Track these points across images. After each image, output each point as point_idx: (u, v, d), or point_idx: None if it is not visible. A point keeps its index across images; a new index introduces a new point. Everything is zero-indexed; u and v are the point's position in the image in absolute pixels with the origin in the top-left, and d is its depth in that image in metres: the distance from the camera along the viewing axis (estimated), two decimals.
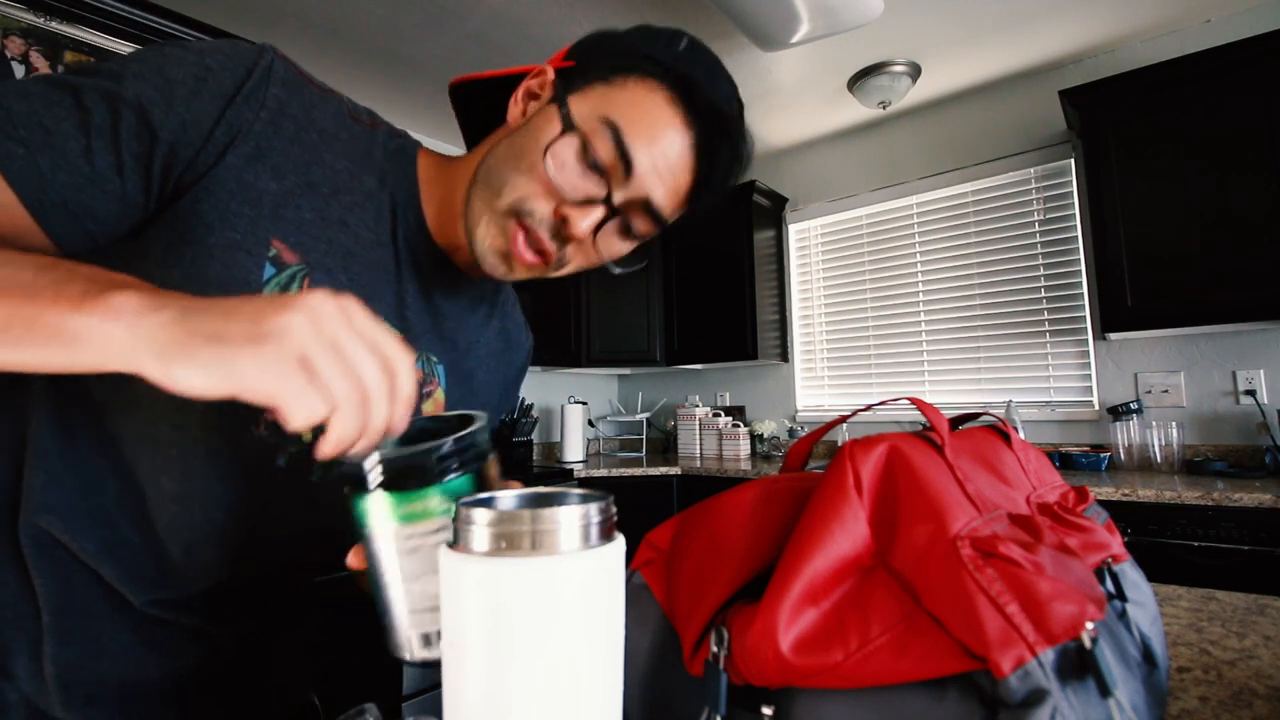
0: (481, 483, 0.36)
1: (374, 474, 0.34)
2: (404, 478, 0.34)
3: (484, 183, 0.52)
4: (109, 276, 0.36)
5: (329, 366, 0.32)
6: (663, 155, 0.51)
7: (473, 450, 0.36)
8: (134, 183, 0.43)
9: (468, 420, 0.38)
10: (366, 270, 0.53)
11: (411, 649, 0.36)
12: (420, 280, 0.57)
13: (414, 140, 0.59)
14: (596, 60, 0.53)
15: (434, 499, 0.34)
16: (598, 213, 0.51)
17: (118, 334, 0.32)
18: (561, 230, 0.51)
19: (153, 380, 0.32)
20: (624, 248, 0.57)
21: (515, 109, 0.54)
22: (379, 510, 0.34)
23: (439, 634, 0.34)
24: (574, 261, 0.55)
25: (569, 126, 0.49)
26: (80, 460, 0.47)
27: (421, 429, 0.40)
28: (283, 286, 0.47)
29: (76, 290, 0.34)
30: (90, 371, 0.34)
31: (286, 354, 0.31)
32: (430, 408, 0.60)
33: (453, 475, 0.35)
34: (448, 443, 0.34)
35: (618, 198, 0.51)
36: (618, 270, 0.58)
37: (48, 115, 0.40)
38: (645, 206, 0.53)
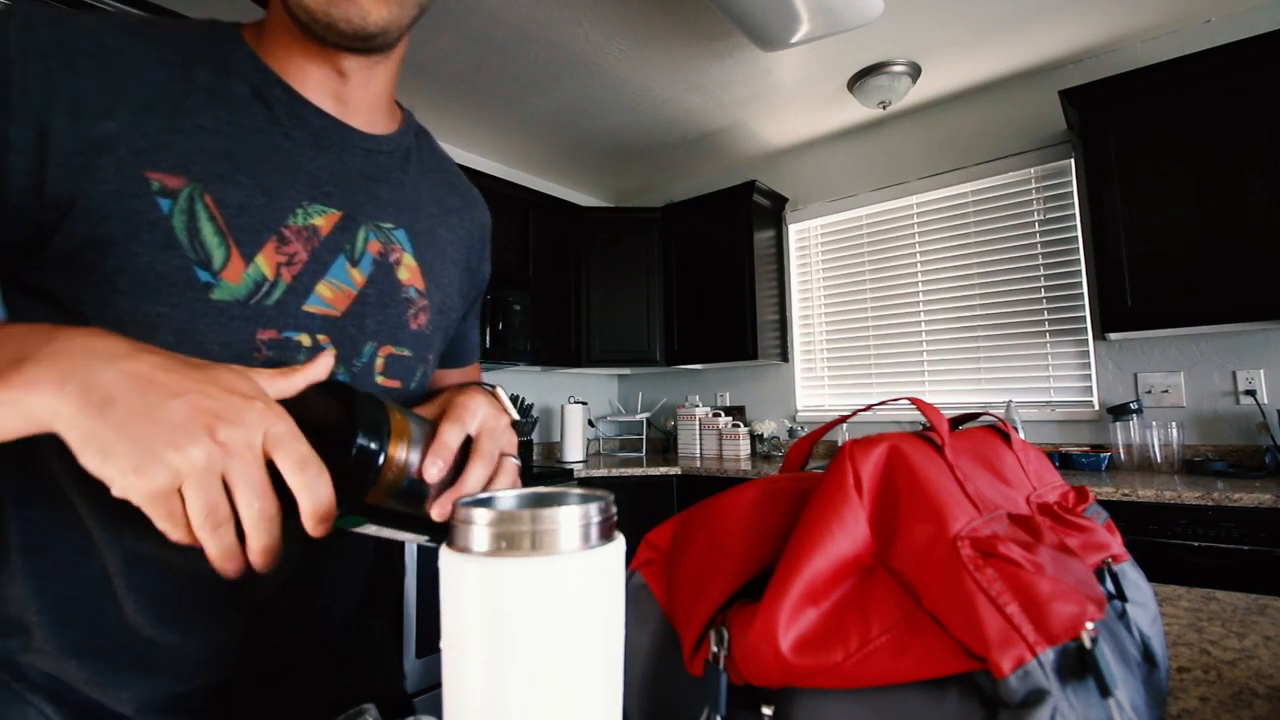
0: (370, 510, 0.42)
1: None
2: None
3: None
4: (4, 341, 0.35)
5: (204, 504, 0.33)
6: None
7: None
8: None
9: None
10: (260, 163, 0.50)
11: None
12: (329, 154, 0.54)
13: (228, 23, 0.54)
14: None
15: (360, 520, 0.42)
16: None
17: (37, 410, 0.32)
18: None
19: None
20: None
21: None
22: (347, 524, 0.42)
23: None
24: None
25: None
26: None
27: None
28: (186, 212, 0.46)
29: None
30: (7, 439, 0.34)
31: (164, 490, 0.32)
32: (405, 275, 0.59)
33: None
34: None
35: None
36: None
37: None
38: None
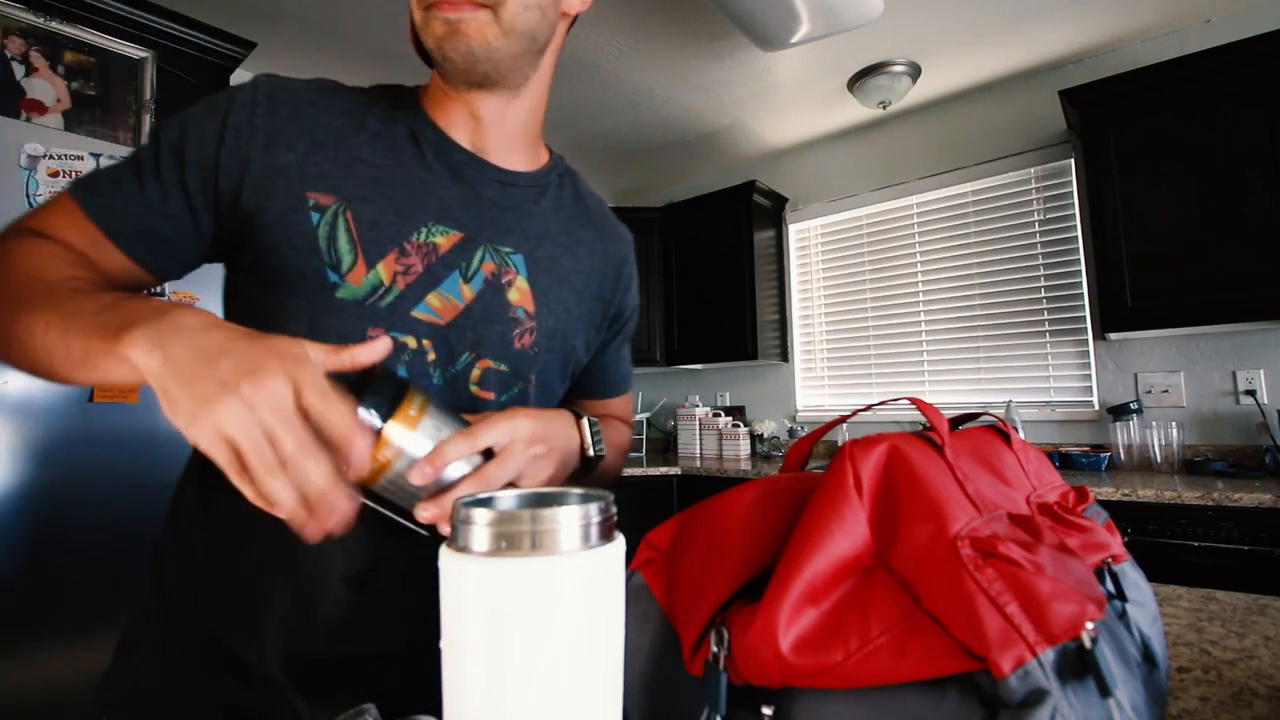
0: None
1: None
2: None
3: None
4: (133, 313, 0.43)
5: (250, 448, 0.36)
6: None
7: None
8: (179, 202, 0.55)
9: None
10: (399, 188, 0.59)
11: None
12: (464, 185, 0.62)
13: (409, 86, 0.65)
14: None
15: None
16: None
17: (138, 365, 0.40)
18: None
19: None
20: None
21: None
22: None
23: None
24: None
25: None
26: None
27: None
28: (330, 224, 0.56)
29: (114, 328, 0.42)
30: (129, 385, 0.44)
31: (215, 435, 0.36)
32: (515, 297, 0.63)
33: None
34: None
35: None
36: None
37: (117, 171, 0.55)
38: None
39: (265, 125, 0.56)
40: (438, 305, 0.59)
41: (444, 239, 0.59)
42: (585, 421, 0.61)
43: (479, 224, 0.61)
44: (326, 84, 0.61)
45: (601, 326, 0.74)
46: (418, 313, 0.58)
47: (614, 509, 0.29)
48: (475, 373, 0.61)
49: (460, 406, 0.59)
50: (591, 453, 0.61)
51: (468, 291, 0.60)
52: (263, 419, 0.36)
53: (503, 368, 0.63)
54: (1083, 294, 2.46)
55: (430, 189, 0.60)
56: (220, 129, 0.55)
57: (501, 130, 0.63)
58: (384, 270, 0.56)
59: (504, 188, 0.64)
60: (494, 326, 0.62)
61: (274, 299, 0.56)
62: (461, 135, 0.62)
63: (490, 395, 0.62)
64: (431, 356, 0.59)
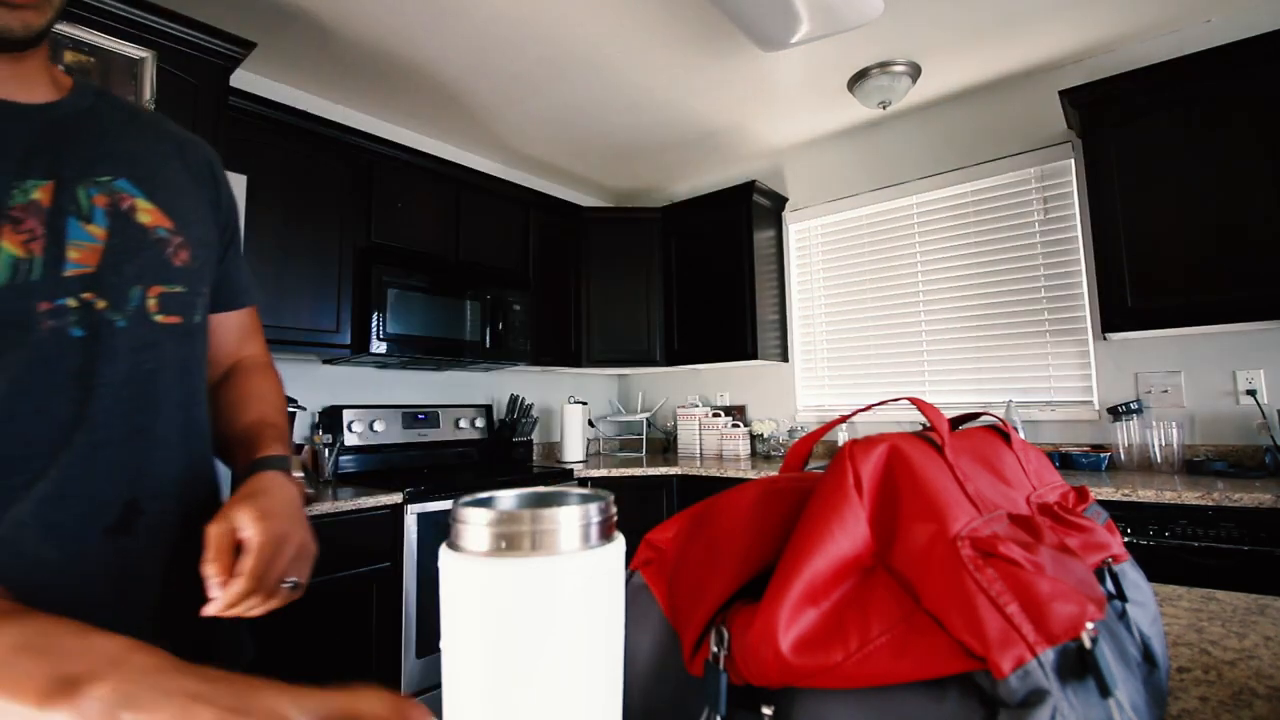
0: None
1: None
2: None
3: None
4: (65, 654, 0.37)
5: None
6: None
7: None
8: None
9: None
10: None
11: None
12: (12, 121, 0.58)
13: None
14: None
15: None
16: None
17: None
18: None
19: None
20: None
21: None
22: None
23: None
24: None
25: None
26: None
27: None
28: None
29: (45, 681, 0.35)
30: None
31: None
32: (147, 219, 0.63)
33: None
34: None
35: None
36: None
37: None
38: None
39: None
40: (78, 256, 0.57)
41: (40, 192, 0.57)
42: (276, 469, 0.65)
43: (60, 164, 0.58)
44: None
45: (220, 233, 0.75)
46: (67, 272, 0.56)
47: (614, 509, 0.29)
48: (152, 303, 0.61)
49: (148, 342, 0.61)
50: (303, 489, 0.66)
51: (97, 230, 0.59)
52: None
53: (178, 289, 0.63)
54: (1083, 294, 2.46)
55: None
56: None
57: (15, 69, 0.59)
58: (11, 246, 0.54)
59: (53, 123, 0.60)
60: (145, 252, 0.61)
61: None
62: None
63: (176, 319, 0.63)
64: (101, 305, 0.58)
